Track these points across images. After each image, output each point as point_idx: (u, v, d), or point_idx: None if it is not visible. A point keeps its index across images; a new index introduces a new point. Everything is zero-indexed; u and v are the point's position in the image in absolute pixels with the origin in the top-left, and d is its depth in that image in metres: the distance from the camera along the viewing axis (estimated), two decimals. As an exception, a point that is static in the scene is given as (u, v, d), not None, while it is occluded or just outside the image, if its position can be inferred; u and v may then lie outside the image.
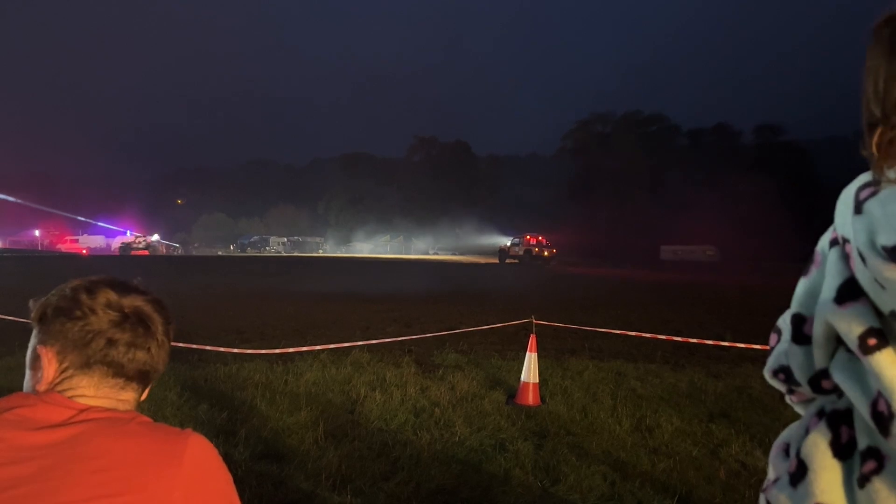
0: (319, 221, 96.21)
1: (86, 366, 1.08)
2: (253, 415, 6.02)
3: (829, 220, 0.85)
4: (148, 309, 1.13)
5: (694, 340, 8.25)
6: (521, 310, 16.46)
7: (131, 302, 1.12)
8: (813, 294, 0.84)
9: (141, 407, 1.17)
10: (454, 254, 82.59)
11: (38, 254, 65.19)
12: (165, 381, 7.19)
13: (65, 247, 79.11)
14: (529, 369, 6.82)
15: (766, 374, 0.94)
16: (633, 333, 8.43)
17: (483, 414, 6.25)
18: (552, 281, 31.93)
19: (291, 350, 8.32)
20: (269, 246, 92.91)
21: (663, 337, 8.49)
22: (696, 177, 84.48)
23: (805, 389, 0.86)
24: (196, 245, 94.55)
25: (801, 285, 0.88)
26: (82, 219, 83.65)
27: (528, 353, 6.94)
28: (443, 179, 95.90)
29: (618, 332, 8.93)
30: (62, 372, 1.08)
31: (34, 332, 1.12)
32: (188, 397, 6.53)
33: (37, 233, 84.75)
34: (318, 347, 8.36)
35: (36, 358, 1.11)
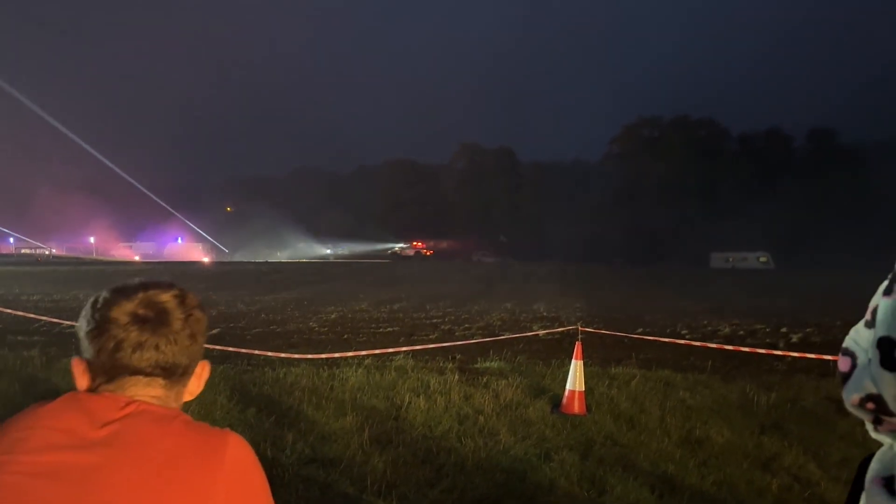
0: (365, 228, 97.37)
1: (105, 372, 1.12)
2: (300, 419, 6.11)
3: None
4: (162, 306, 1.15)
5: (746, 350, 8.04)
6: (564, 316, 16.32)
7: (141, 301, 1.14)
8: None
9: (186, 407, 1.20)
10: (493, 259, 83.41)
11: (96, 261, 67.50)
12: (215, 385, 7.36)
13: (118, 254, 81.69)
14: (575, 377, 6.74)
15: (849, 402, 0.87)
16: (683, 342, 8.27)
17: (527, 422, 6.20)
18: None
19: (337, 355, 8.43)
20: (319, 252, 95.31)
21: (714, 346, 8.31)
22: (748, 182, 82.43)
23: None
24: (244, 251, 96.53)
25: (887, 306, 0.80)
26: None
27: (573, 361, 6.86)
28: (486, 185, 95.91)
29: (665, 340, 8.78)
30: (93, 380, 1.13)
31: None
32: (238, 400, 6.66)
33: (91, 239, 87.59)
34: (362, 353, 8.44)
35: None
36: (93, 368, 1.13)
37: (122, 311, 1.12)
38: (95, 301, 1.15)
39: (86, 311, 1.15)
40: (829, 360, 7.69)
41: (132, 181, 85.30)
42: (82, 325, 1.14)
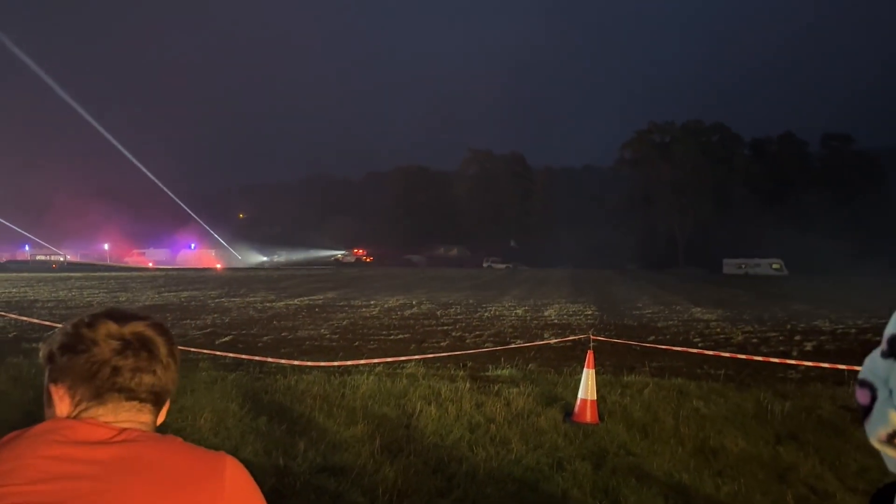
0: (376, 234, 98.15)
1: (97, 396, 1.11)
2: (311, 427, 6.11)
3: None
4: (149, 333, 1.16)
5: (759, 358, 7.97)
6: (576, 325, 16.27)
7: (132, 329, 1.15)
8: None
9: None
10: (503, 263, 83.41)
11: (109, 267, 68.06)
12: (228, 393, 7.39)
13: (132, 260, 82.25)
14: (587, 386, 6.70)
15: (874, 438, 0.82)
16: (695, 351, 8.20)
17: (539, 431, 6.16)
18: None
19: (348, 363, 8.43)
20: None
21: (726, 355, 8.24)
22: (761, 188, 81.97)
23: None
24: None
25: None
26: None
27: (585, 370, 6.82)
28: (497, 191, 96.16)
29: (678, 348, 8.70)
30: (76, 405, 1.11)
31: (46, 372, 1.16)
32: (249, 408, 6.67)
33: (105, 246, 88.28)
34: (374, 361, 8.44)
35: (50, 396, 1.14)
36: (77, 393, 1.11)
37: (115, 337, 1.12)
38: (80, 324, 1.15)
39: (70, 334, 1.13)
40: (843, 370, 7.60)
41: (159, 183, 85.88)
42: (61, 349, 1.13)
